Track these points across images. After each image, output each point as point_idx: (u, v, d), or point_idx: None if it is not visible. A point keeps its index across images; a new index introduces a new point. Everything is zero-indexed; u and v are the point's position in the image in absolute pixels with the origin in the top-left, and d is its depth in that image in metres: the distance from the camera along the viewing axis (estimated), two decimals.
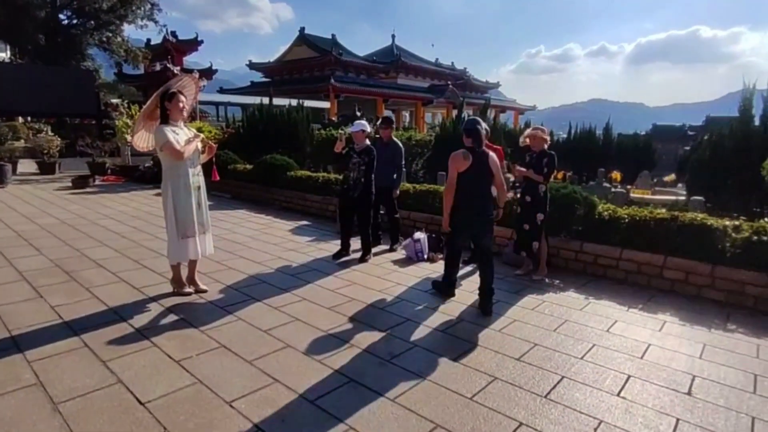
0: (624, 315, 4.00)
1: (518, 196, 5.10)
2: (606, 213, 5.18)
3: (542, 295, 4.43)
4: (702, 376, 2.98)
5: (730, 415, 2.56)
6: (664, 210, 5.36)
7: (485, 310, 3.94)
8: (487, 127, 4.09)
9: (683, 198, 8.97)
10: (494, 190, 4.19)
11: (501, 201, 4.26)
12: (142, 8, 24.14)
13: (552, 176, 4.85)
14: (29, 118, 18.00)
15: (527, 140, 4.92)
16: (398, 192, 6.07)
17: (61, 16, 23.21)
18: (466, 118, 6.23)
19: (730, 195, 7.35)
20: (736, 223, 4.57)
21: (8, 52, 24.80)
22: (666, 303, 4.29)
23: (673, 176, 14.31)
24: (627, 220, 4.99)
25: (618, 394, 2.73)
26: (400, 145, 6.04)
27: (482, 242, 4.15)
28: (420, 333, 3.50)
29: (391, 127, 6.05)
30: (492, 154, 4.11)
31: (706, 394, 2.76)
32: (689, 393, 2.77)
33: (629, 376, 2.94)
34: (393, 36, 43.95)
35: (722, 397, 2.73)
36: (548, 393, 2.72)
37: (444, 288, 4.34)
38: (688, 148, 15.87)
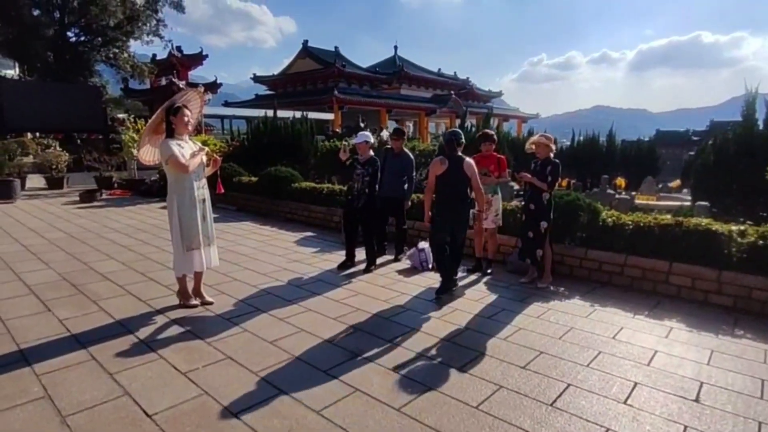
0: (630, 322, 3.98)
1: (522, 204, 5.11)
2: (610, 219, 5.18)
3: (547, 302, 4.42)
4: (710, 382, 2.96)
5: (737, 421, 2.54)
6: (668, 216, 5.34)
7: (438, 291, 4.43)
8: (461, 136, 4.57)
9: (688, 203, 8.92)
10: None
11: (479, 203, 4.54)
12: (148, 24, 24.54)
13: (556, 184, 4.87)
14: (37, 134, 18.27)
15: (533, 146, 4.94)
16: (410, 203, 6.11)
17: (69, 34, 23.62)
18: (469, 128, 6.32)
19: (735, 199, 7.30)
20: (742, 227, 4.55)
21: (17, 69, 25.24)
22: (672, 309, 4.27)
23: (678, 182, 14.22)
24: (631, 227, 4.98)
25: (625, 402, 2.72)
26: (411, 156, 6.07)
27: (458, 237, 4.55)
28: (425, 342, 3.50)
29: (402, 138, 6.11)
30: (468, 159, 4.40)
31: (714, 401, 2.74)
32: (697, 400, 2.75)
33: (636, 384, 2.92)
34: (395, 47, 44.41)
35: (730, 403, 2.71)
36: (554, 401, 2.71)
37: (445, 287, 4.45)
38: (692, 153, 15.80)
